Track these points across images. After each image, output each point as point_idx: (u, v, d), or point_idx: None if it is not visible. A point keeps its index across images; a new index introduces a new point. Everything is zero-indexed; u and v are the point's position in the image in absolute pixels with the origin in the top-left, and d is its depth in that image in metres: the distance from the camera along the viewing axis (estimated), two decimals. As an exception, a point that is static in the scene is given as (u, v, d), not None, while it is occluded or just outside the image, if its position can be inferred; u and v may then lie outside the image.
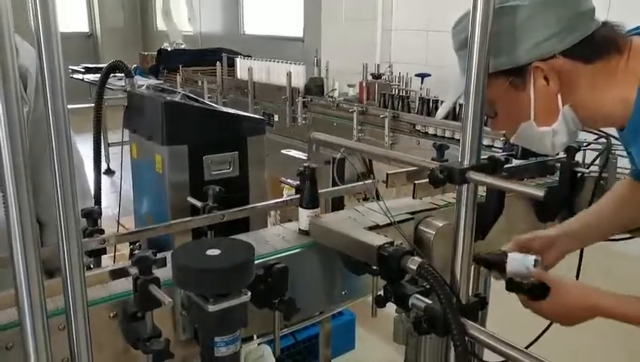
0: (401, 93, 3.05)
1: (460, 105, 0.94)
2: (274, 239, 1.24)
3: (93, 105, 1.75)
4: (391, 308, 1.09)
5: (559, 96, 1.03)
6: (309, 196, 1.23)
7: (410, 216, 1.37)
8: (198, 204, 1.30)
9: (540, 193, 0.78)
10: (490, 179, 0.89)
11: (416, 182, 1.43)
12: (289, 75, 3.61)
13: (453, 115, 2.50)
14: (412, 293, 1.00)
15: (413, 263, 0.97)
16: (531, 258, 1.12)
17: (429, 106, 2.65)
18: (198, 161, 1.39)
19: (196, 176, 1.39)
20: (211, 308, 0.92)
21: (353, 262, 1.20)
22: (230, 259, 0.94)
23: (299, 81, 3.71)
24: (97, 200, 1.56)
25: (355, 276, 1.26)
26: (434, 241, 1.36)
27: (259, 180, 1.47)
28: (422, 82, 3.36)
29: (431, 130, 2.58)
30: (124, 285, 0.96)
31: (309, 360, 2.13)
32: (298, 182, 1.50)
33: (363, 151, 1.25)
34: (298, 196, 1.45)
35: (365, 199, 1.43)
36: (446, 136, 2.47)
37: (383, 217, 1.35)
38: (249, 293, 0.97)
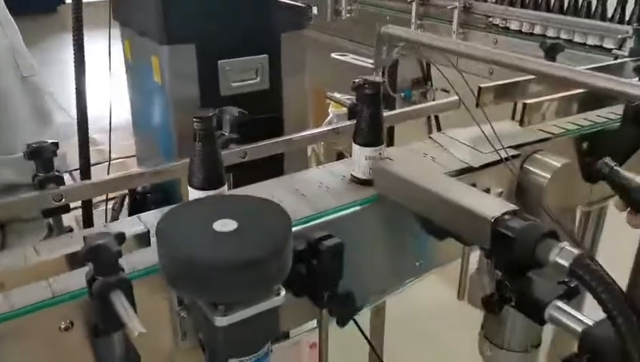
0: (470, -22, 2.46)
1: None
2: (315, 191, 0.82)
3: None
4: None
5: None
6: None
7: (517, 152, 0.95)
8: (211, 132, 0.91)
9: None
10: None
11: (526, 101, 0.99)
12: (331, -44, 3.01)
13: (547, 4, 1.94)
14: (550, 300, 0.61)
15: (564, 256, 0.56)
16: None
17: (509, -6, 2.09)
18: (210, 67, 0.99)
19: (209, 90, 0.99)
20: (220, 321, 0.56)
21: (436, 224, 0.80)
22: (253, 245, 0.56)
23: (343, -36, 3.11)
24: (82, 122, 1.05)
25: (434, 239, 0.87)
26: (548, 188, 0.95)
27: (297, 96, 1.06)
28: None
29: (513, 25, 2.03)
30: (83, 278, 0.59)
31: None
32: (351, 98, 1.10)
33: (465, 55, 0.81)
34: (351, 122, 1.04)
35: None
36: (535, 32, 1.94)
37: (473, 153, 0.94)
38: (283, 292, 0.60)
